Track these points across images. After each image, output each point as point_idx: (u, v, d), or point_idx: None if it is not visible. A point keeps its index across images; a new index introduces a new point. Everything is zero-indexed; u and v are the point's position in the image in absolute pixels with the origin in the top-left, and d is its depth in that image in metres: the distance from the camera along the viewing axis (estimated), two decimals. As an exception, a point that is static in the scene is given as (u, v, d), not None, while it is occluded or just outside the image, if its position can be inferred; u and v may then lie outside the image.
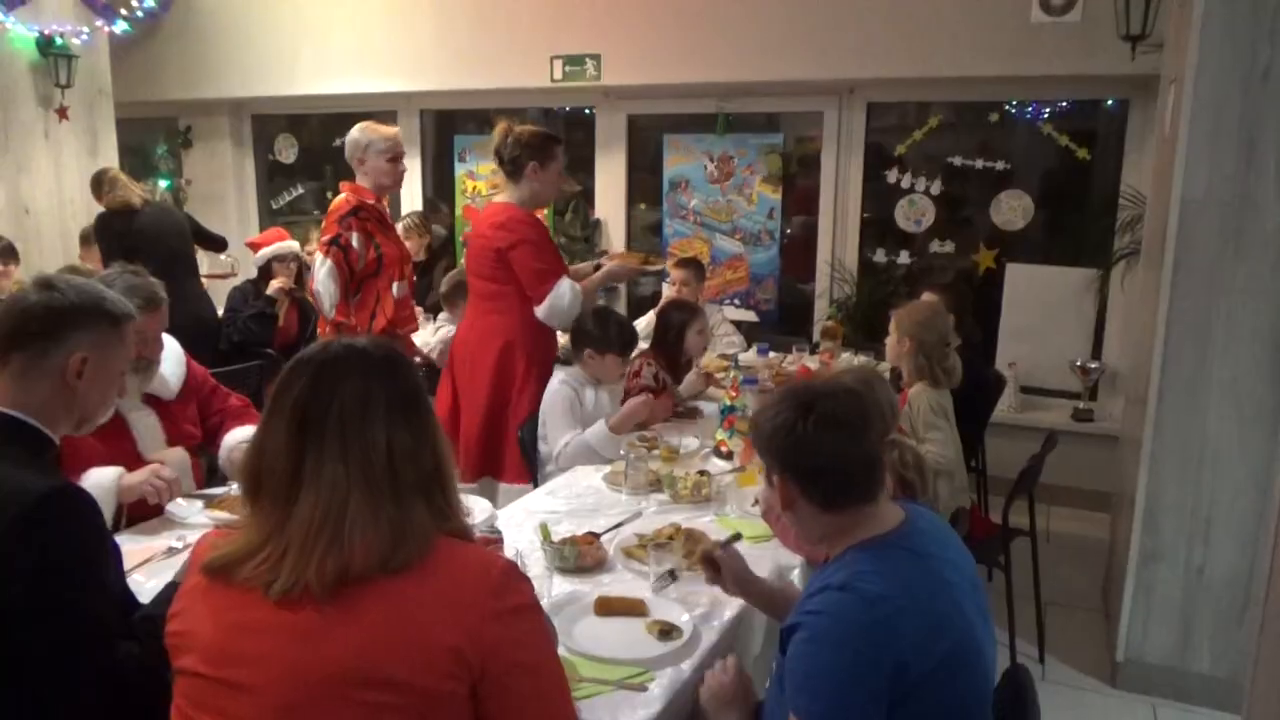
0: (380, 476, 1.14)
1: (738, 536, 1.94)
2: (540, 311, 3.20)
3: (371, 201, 3.42)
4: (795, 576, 2.08)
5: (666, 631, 1.73)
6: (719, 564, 1.82)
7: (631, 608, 1.84)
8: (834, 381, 1.56)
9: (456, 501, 1.24)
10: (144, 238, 4.23)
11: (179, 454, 2.40)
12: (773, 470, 1.52)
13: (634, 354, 3.59)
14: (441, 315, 4.37)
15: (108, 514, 2.06)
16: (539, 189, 3.27)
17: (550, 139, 3.29)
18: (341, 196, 3.44)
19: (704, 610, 1.87)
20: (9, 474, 1.35)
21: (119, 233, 4.24)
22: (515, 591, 1.17)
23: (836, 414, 1.47)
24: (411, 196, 6.08)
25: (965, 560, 1.53)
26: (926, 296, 3.80)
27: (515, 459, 3.19)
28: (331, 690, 1.08)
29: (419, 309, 4.43)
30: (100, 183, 4.37)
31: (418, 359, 4.11)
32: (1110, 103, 4.63)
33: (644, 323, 4.52)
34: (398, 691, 1.08)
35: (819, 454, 1.46)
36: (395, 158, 3.44)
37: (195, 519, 2.23)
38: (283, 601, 1.10)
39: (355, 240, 3.33)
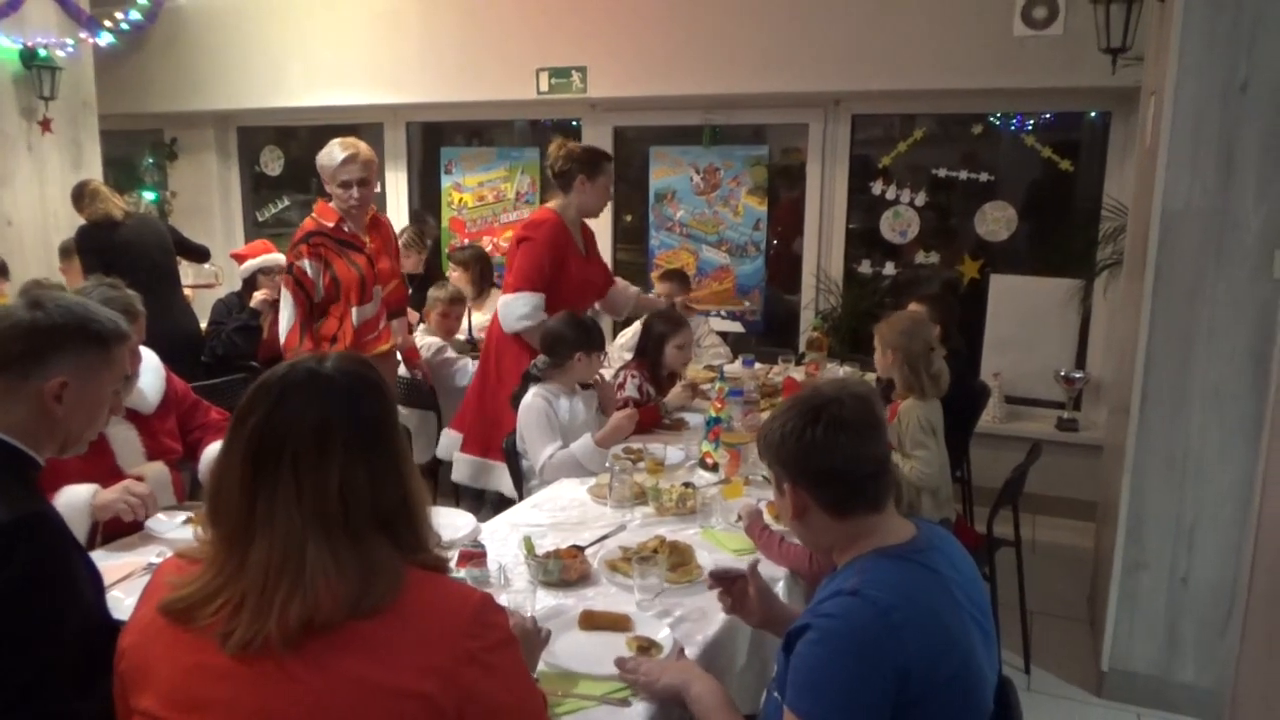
0: (335, 518, 1.09)
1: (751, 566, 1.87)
2: (500, 301, 3.46)
3: (331, 224, 3.40)
4: (779, 590, 2.07)
5: (645, 648, 1.71)
6: (742, 596, 1.80)
7: (616, 623, 1.82)
8: (841, 387, 1.55)
9: (426, 532, 1.18)
10: (126, 250, 4.20)
11: (158, 468, 2.38)
12: (783, 479, 1.52)
13: (618, 366, 3.59)
14: (421, 327, 4.35)
15: (81, 533, 2.03)
16: (585, 200, 3.51)
17: (600, 155, 3.55)
18: (306, 219, 3.47)
19: (687, 626, 1.86)
20: None
21: (100, 246, 4.21)
22: (490, 627, 1.12)
23: (846, 418, 1.48)
24: (398, 209, 6.08)
25: (975, 582, 1.52)
26: (913, 308, 3.81)
27: None
28: None
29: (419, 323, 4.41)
30: (81, 195, 4.35)
31: (416, 372, 4.08)
32: (1092, 115, 4.67)
33: (630, 333, 4.53)
34: None
35: (832, 457, 1.47)
36: (346, 184, 3.35)
37: (175, 534, 2.20)
38: (259, 654, 1.05)
39: (308, 267, 3.35)
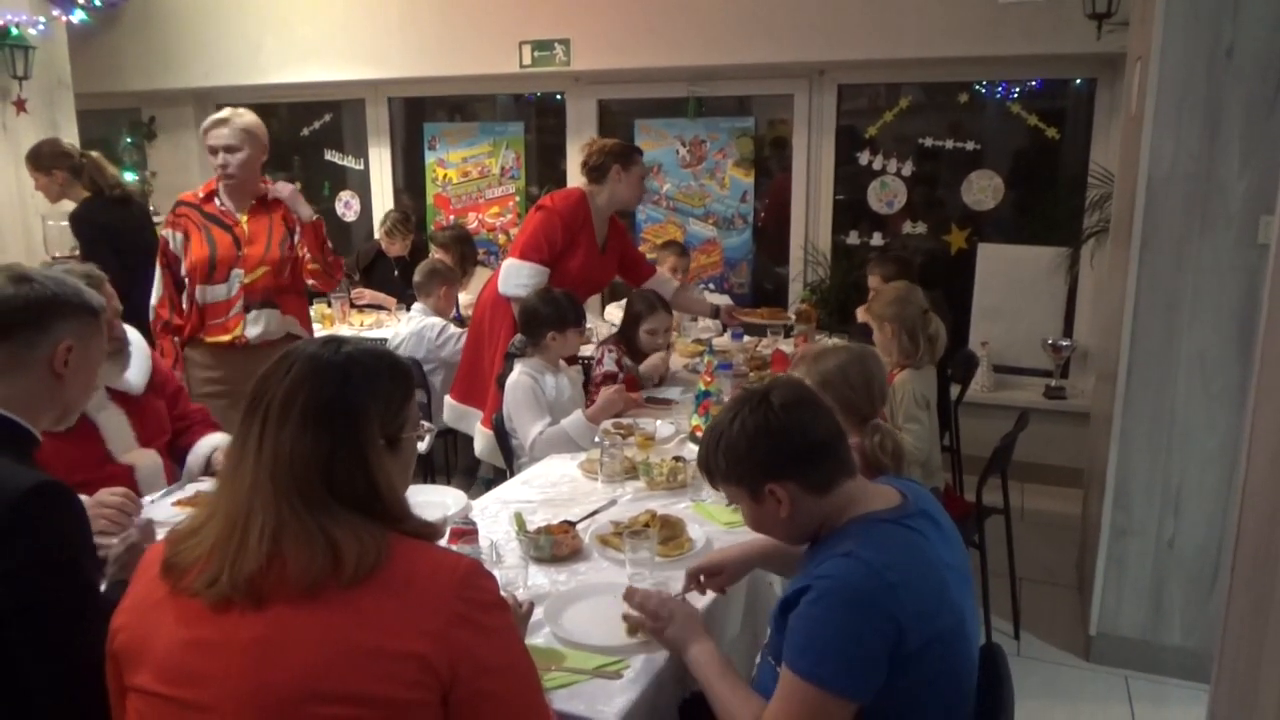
0: (284, 483, 1.12)
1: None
2: (506, 262, 3.52)
3: (202, 195, 3.27)
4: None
5: (634, 630, 1.71)
6: (709, 577, 1.83)
7: None
8: (765, 383, 1.59)
9: (404, 508, 1.20)
10: (139, 230, 4.03)
11: (151, 457, 2.36)
12: (760, 484, 1.50)
13: (599, 341, 3.59)
14: (416, 306, 4.32)
15: None
16: (619, 190, 3.58)
17: (633, 148, 3.65)
18: None
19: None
20: None
21: (103, 224, 3.88)
22: (480, 590, 1.15)
23: (795, 396, 1.52)
24: (382, 186, 6.03)
25: (958, 546, 1.55)
26: (873, 281, 3.82)
27: None
28: (293, 707, 1.05)
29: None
30: (75, 164, 3.95)
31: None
32: (1078, 82, 4.66)
33: (614, 308, 4.53)
34: (363, 705, 1.05)
35: (804, 433, 1.48)
36: (212, 150, 3.20)
37: (164, 517, 2.19)
38: (218, 606, 1.09)
39: (170, 237, 3.23)
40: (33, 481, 1.31)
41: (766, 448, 1.48)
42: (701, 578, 1.83)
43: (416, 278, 4.31)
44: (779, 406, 1.49)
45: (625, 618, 1.69)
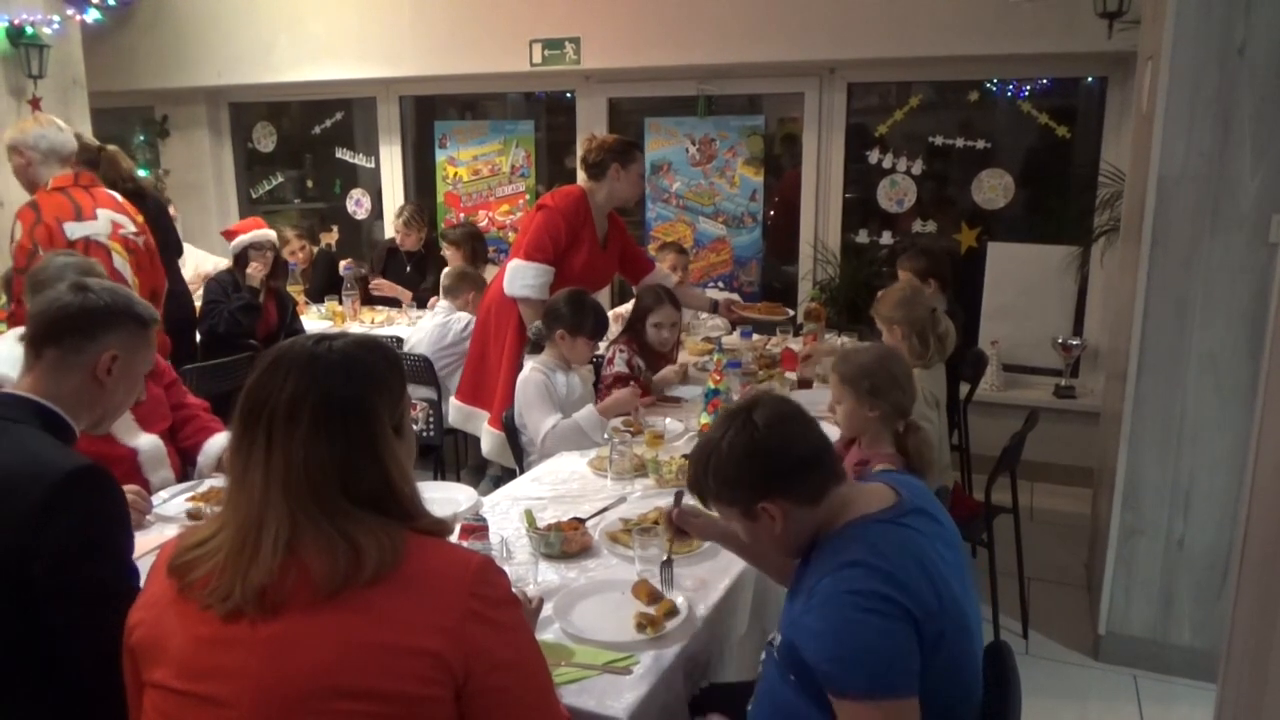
0: (300, 489, 1.11)
1: (680, 494, 1.91)
2: (511, 264, 3.53)
3: None
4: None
5: (642, 626, 1.72)
6: (681, 526, 1.88)
7: (665, 609, 1.80)
8: (744, 400, 1.62)
9: (418, 504, 1.20)
10: (152, 225, 4.08)
11: (153, 440, 2.38)
12: (753, 502, 1.50)
13: (609, 340, 3.60)
14: (441, 305, 4.35)
15: None
16: (618, 187, 3.61)
17: (632, 144, 3.68)
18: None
19: (689, 596, 1.87)
20: (39, 451, 1.42)
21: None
22: (493, 587, 1.15)
23: (779, 412, 1.52)
24: (393, 184, 6.05)
25: (957, 542, 1.56)
26: (903, 275, 3.82)
27: None
28: (309, 703, 1.06)
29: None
30: (91, 158, 3.96)
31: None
32: (1089, 80, 4.64)
33: (624, 306, 4.53)
34: (378, 701, 1.07)
35: (791, 450, 1.49)
36: None
37: (176, 512, 2.21)
38: (230, 616, 1.09)
39: None
40: (75, 464, 1.37)
41: (755, 469, 1.48)
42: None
43: (446, 281, 4.38)
44: (763, 425, 1.48)
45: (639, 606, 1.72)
